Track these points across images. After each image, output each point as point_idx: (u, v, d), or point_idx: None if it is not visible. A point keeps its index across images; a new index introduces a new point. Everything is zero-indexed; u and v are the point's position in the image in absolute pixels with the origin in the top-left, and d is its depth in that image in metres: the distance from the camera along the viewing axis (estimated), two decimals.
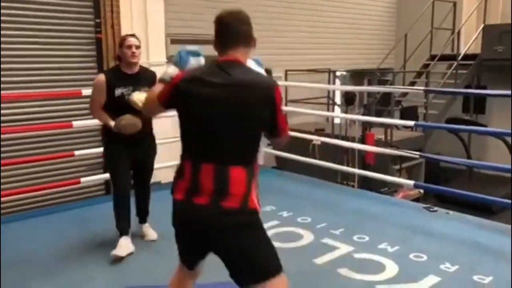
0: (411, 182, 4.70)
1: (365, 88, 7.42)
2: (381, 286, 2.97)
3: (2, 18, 4.61)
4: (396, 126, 7.44)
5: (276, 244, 3.52)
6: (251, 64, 2.07)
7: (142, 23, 5.58)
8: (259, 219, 1.91)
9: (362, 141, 6.34)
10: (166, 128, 6.13)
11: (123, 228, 3.43)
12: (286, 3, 8.25)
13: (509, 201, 4.00)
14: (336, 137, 6.39)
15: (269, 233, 3.70)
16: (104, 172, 5.27)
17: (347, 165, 6.15)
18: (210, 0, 6.81)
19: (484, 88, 8.62)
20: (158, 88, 2.06)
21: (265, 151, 5.87)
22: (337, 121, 7.12)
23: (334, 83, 7.68)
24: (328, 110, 7.94)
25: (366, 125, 6.42)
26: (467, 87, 8.55)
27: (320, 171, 5.91)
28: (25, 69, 4.91)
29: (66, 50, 5.14)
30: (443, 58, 8.45)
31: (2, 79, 4.68)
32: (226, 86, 1.85)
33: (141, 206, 3.75)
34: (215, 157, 1.85)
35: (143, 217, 3.78)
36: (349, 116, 6.28)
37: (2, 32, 4.65)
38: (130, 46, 3.35)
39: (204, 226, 1.85)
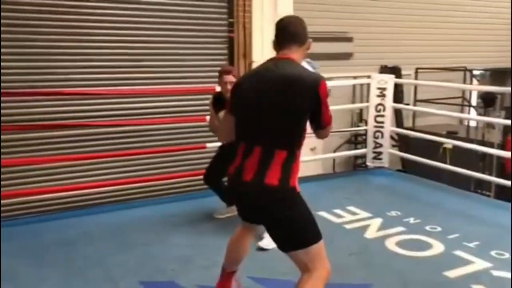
0: None
1: (508, 89, 6.71)
2: None
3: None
4: None
5: (401, 251, 3.46)
6: (305, 64, 2.35)
7: (272, 22, 5.68)
8: (297, 195, 2.14)
9: (502, 147, 5.76)
10: None
11: None
12: None
13: None
14: (471, 141, 5.89)
15: (394, 239, 3.66)
16: None
17: (483, 173, 5.64)
18: None
19: None
20: None
21: (390, 152, 5.63)
22: (473, 124, 6.56)
23: (470, 82, 7.08)
24: (462, 111, 7.37)
25: (507, 130, 5.81)
26: None
27: (451, 177, 5.49)
28: (163, 66, 5.31)
29: (200, 49, 5.44)
30: None
31: (143, 75, 5.14)
32: (276, 79, 2.10)
33: None
34: (262, 141, 2.11)
35: None
36: (488, 119, 5.75)
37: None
38: (225, 83, 3.72)
39: (249, 200, 2.17)
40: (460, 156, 5.84)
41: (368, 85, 5.64)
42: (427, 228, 3.89)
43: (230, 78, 3.72)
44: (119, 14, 5.03)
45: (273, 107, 2.09)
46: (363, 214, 4.21)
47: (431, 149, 6.03)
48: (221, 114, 3.53)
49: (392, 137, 6.32)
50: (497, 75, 8.00)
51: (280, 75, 2.10)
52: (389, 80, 5.41)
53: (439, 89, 7.24)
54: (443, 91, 7.25)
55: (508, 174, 5.61)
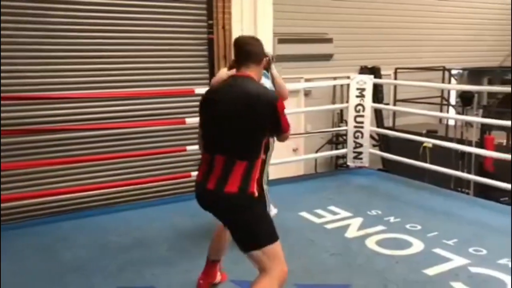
0: None
1: (486, 88, 6.84)
2: None
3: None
4: None
5: (382, 250, 3.48)
6: (264, 80, 2.58)
7: (251, 23, 5.69)
8: (254, 200, 2.32)
9: (481, 145, 5.85)
10: None
11: None
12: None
13: None
14: (451, 140, 5.97)
15: (374, 238, 3.68)
16: None
17: (462, 171, 5.72)
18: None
19: None
20: None
21: (370, 152, 5.67)
22: (451, 122, 6.66)
23: (449, 82, 7.18)
24: (441, 111, 7.46)
25: (485, 128, 5.91)
26: None
27: (431, 176, 5.56)
28: (142, 68, 5.26)
29: (180, 51, 5.41)
30: None
31: (123, 78, 5.09)
32: (237, 96, 2.31)
33: None
34: (225, 152, 2.31)
35: None
36: (466, 117, 5.83)
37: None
38: None
39: (211, 206, 2.40)
40: (439, 155, 5.91)
41: (348, 85, 5.68)
42: (407, 226, 3.93)
43: None
44: (95, 16, 4.97)
45: (234, 123, 2.29)
46: (344, 213, 4.23)
47: (412, 149, 6.08)
48: None
49: (372, 137, 6.38)
50: (475, 74, 8.14)
51: (240, 92, 2.32)
52: (368, 81, 5.45)
53: (418, 89, 7.33)
54: (422, 91, 7.34)
55: (487, 171, 5.70)
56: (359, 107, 5.44)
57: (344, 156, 6.32)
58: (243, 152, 2.31)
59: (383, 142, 7.29)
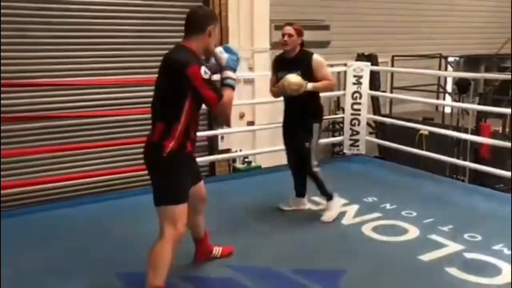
0: None
1: (482, 75, 6.83)
2: None
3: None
4: None
5: (378, 237, 3.50)
6: (218, 50, 2.57)
7: (248, 10, 5.66)
8: (165, 159, 2.47)
9: (476, 132, 5.87)
10: (266, 114, 6.24)
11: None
12: None
13: None
14: (447, 127, 5.99)
15: (370, 225, 3.71)
16: (209, 154, 5.54)
17: (458, 158, 5.75)
18: None
19: None
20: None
21: (367, 139, 5.68)
22: (448, 110, 6.67)
23: (445, 69, 7.17)
24: (437, 98, 7.47)
25: (481, 116, 5.92)
26: None
27: (427, 163, 5.58)
28: (138, 56, 5.26)
29: (177, 38, 5.37)
30: None
31: (121, 64, 5.08)
32: (162, 61, 2.53)
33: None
34: (152, 113, 2.56)
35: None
36: (462, 105, 5.84)
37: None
38: (283, 35, 3.65)
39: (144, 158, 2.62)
40: (436, 142, 5.93)
41: (345, 72, 5.67)
42: (403, 213, 3.95)
43: (288, 30, 3.62)
44: (92, 2, 4.95)
45: (156, 86, 2.55)
46: (340, 201, 4.25)
47: (408, 136, 6.10)
48: (282, 75, 3.61)
49: (369, 124, 6.38)
50: (471, 62, 8.12)
51: (163, 60, 2.53)
52: (365, 68, 5.44)
53: (415, 77, 7.31)
54: (419, 78, 7.32)
55: (483, 159, 5.73)
56: (356, 95, 5.44)
57: (340, 144, 6.33)
58: (161, 112, 2.50)
59: (379, 130, 7.30)
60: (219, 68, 2.61)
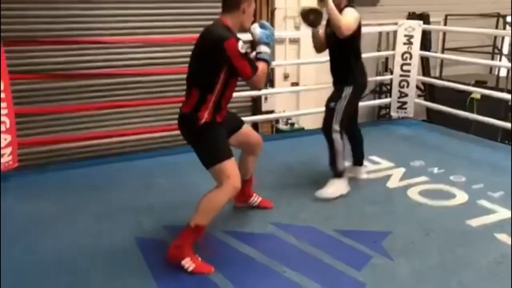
0: None
1: None
2: None
3: None
4: None
5: (424, 200, 3.44)
6: (253, 26, 2.71)
7: None
8: (201, 127, 2.63)
9: None
10: (311, 75, 6.14)
11: None
12: None
13: None
14: (501, 91, 5.70)
15: (416, 189, 3.64)
16: (253, 115, 5.55)
17: (511, 123, 5.49)
18: None
19: None
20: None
21: (415, 102, 5.50)
22: (503, 73, 6.34)
23: (503, 29, 6.77)
24: (492, 60, 7.09)
25: None
26: None
27: (477, 128, 5.38)
28: (175, 14, 5.29)
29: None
30: None
31: (158, 23, 5.17)
32: (200, 36, 2.66)
33: None
34: (187, 80, 2.72)
35: None
36: None
37: None
38: None
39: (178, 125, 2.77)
40: (488, 107, 5.68)
41: (395, 32, 5.45)
42: (451, 178, 3.85)
43: None
44: None
45: (192, 59, 2.68)
46: (386, 164, 4.19)
47: (458, 100, 5.87)
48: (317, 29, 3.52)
49: (417, 87, 6.17)
50: None
51: (201, 35, 2.65)
52: (417, 27, 5.21)
53: (469, 37, 6.95)
54: (473, 39, 6.96)
55: None
56: (406, 55, 5.24)
57: (386, 107, 6.18)
58: (197, 81, 2.63)
59: (428, 93, 7.06)
60: (255, 43, 2.74)
